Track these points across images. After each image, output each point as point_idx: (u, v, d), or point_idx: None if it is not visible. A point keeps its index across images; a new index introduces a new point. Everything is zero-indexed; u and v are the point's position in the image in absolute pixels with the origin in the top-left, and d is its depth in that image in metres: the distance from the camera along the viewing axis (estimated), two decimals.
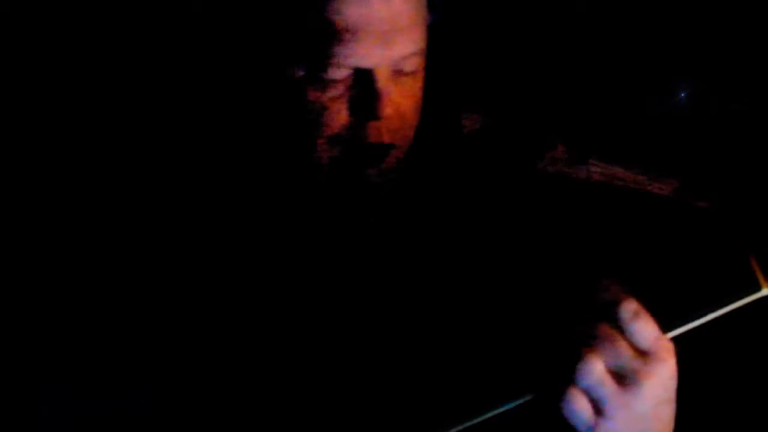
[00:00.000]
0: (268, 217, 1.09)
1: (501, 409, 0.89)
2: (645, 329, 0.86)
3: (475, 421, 0.89)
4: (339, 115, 1.01)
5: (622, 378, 0.85)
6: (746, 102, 1.39)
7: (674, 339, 0.88)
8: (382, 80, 1.00)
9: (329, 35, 0.99)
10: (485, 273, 1.06)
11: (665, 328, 0.88)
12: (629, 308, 0.86)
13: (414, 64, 1.02)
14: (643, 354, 0.85)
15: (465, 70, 1.37)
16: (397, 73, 1.01)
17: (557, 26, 1.44)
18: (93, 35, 1.33)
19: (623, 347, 0.85)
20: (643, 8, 1.43)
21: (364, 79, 1.00)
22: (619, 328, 0.85)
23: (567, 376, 0.85)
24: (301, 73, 1.01)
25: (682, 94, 1.37)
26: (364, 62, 1.00)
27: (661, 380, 0.86)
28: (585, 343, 0.85)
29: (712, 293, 0.87)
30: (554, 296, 1.00)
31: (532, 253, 1.08)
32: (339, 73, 1.00)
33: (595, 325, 0.86)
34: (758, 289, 0.86)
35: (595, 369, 0.85)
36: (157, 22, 1.28)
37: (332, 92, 1.00)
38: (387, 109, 1.00)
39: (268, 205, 1.09)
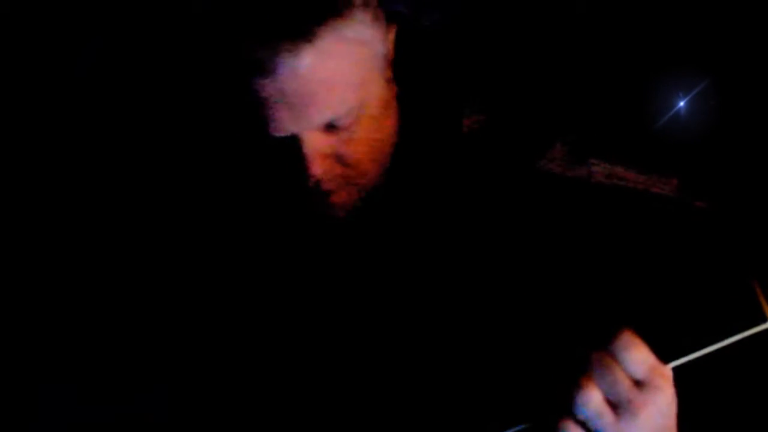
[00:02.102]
0: (263, 223, 1.10)
1: None
2: (641, 359, 0.86)
3: None
4: (281, 169, 1.02)
5: (618, 408, 0.85)
6: (745, 104, 1.39)
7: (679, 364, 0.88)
8: (308, 142, 0.99)
9: (249, 106, 0.99)
10: (484, 282, 1.06)
11: (665, 357, 0.88)
12: (625, 338, 0.86)
13: (348, 119, 1.00)
14: (639, 384, 0.86)
15: (465, 70, 1.37)
16: (332, 128, 1.00)
17: (557, 26, 1.44)
18: (92, 37, 1.33)
19: (620, 377, 0.86)
20: (642, 8, 1.43)
21: (293, 140, 1.00)
22: (616, 358, 0.86)
23: (563, 405, 0.85)
24: (249, 130, 1.01)
25: (681, 103, 1.37)
26: (283, 131, 0.99)
27: (658, 409, 0.86)
28: (581, 372, 0.86)
29: (715, 313, 0.87)
30: (551, 324, 0.99)
31: (531, 259, 1.07)
32: (268, 137, 1.00)
33: (591, 354, 0.86)
34: (764, 320, 0.86)
35: (593, 399, 0.85)
36: (157, 29, 1.28)
37: (271, 150, 1.01)
38: (318, 166, 1.00)
39: (262, 211, 1.10)
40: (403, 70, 1.08)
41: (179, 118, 1.20)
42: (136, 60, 1.31)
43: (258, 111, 0.98)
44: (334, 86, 0.98)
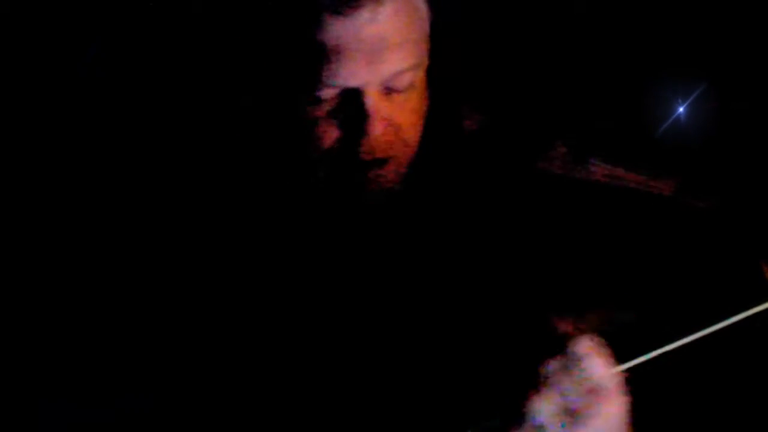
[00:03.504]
0: (270, 224, 1.09)
1: None
2: (594, 366, 0.86)
3: None
4: (328, 133, 1.01)
5: (572, 415, 0.86)
6: (746, 101, 1.39)
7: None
8: (371, 99, 1.00)
9: (315, 54, 0.99)
10: (474, 281, 1.06)
11: (620, 363, 0.88)
12: (580, 345, 0.86)
13: (407, 80, 1.02)
14: (593, 391, 0.86)
15: (465, 70, 1.37)
16: (388, 90, 1.01)
17: (557, 26, 1.44)
18: (94, 38, 1.33)
19: (573, 384, 0.86)
20: (642, 8, 1.43)
21: (352, 97, 1.00)
22: (570, 365, 0.86)
23: (517, 412, 0.86)
24: (292, 91, 1.01)
25: (681, 109, 1.37)
26: (351, 81, 1.00)
27: (611, 416, 0.87)
28: (535, 381, 0.86)
29: (717, 298, 0.87)
30: (507, 331, 0.99)
31: (529, 259, 1.07)
32: (327, 92, 1.00)
33: (546, 361, 0.86)
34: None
35: (546, 407, 0.85)
36: (157, 29, 1.28)
37: (321, 111, 1.01)
38: (378, 127, 1.00)
39: (269, 212, 1.10)
40: None
41: (183, 114, 1.20)
42: (138, 59, 1.31)
43: (312, 66, 0.99)
44: (409, 38, 1.01)
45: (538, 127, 1.35)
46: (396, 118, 1.02)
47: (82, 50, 1.34)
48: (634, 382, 0.90)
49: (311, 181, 1.04)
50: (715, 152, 1.38)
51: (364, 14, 0.98)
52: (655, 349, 0.89)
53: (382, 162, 1.03)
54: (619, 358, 0.89)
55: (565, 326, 0.89)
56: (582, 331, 0.88)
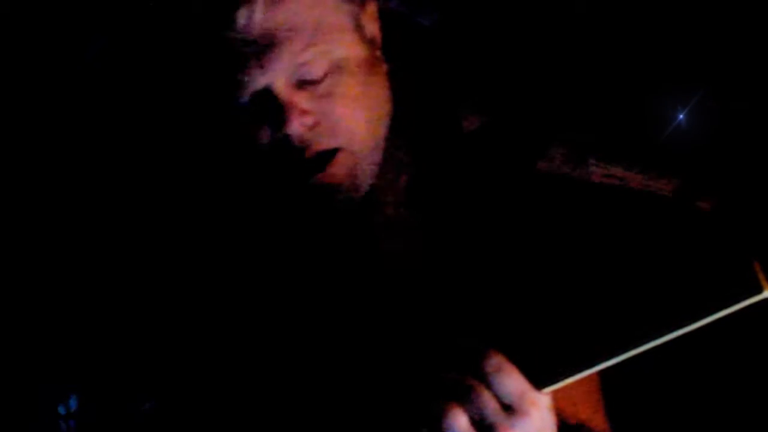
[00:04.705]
0: (243, 226, 1.09)
1: None
2: (509, 383, 0.85)
3: None
4: (259, 135, 1.01)
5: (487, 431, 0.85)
6: (746, 102, 1.39)
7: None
8: (281, 94, 1.00)
9: (216, 65, 1.00)
10: (480, 277, 1.06)
11: (539, 383, 0.87)
12: (493, 361, 0.85)
13: (320, 68, 1.01)
14: (508, 408, 0.85)
15: (464, 70, 1.37)
16: (303, 81, 1.01)
17: (556, 26, 1.44)
18: (96, 35, 1.33)
19: (487, 400, 0.85)
20: (642, 8, 1.43)
21: (266, 97, 1.00)
22: (485, 380, 0.85)
23: (430, 428, 0.85)
24: (214, 101, 1.01)
25: (681, 117, 1.37)
26: (253, 84, 1.00)
27: None
28: (449, 395, 0.85)
29: (711, 293, 0.87)
30: (420, 346, 0.98)
31: (528, 259, 1.07)
32: (241, 97, 1.00)
33: (459, 377, 0.86)
34: (759, 291, 0.85)
35: (459, 423, 0.84)
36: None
37: (245, 115, 1.01)
38: (294, 122, 1.00)
39: (239, 214, 1.09)
40: (402, 67, 1.08)
41: (180, 116, 1.20)
42: (139, 57, 1.31)
43: (232, 73, 1.00)
44: (298, 27, 1.00)
45: (538, 127, 1.35)
46: (324, 108, 1.01)
47: (83, 48, 1.34)
48: (618, 383, 0.89)
49: (264, 186, 1.04)
50: (714, 153, 1.38)
51: (240, 17, 0.99)
52: (585, 368, 0.87)
53: (326, 156, 1.02)
54: (548, 377, 0.87)
55: (475, 342, 0.87)
56: (492, 348, 0.86)
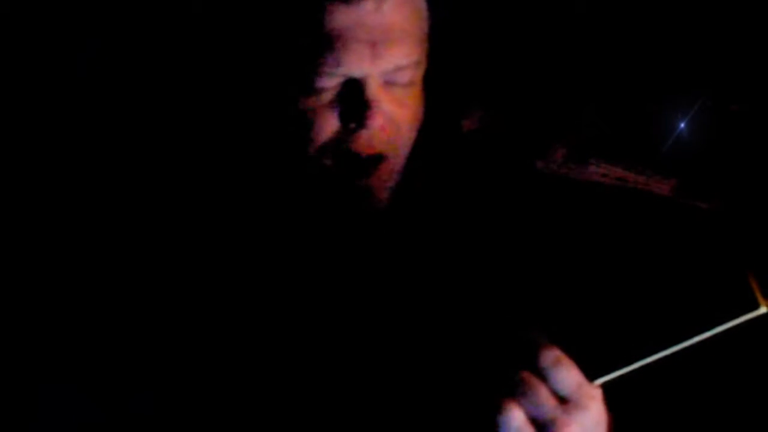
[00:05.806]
0: (265, 223, 1.09)
1: None
2: (566, 377, 0.85)
3: None
4: (328, 124, 1.01)
5: (543, 427, 0.84)
6: (746, 102, 1.39)
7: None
8: (372, 90, 1.00)
9: (318, 43, 0.99)
10: (475, 279, 1.06)
11: (593, 375, 0.86)
12: (550, 355, 0.85)
13: (407, 76, 1.01)
14: (564, 402, 0.85)
15: (465, 70, 1.37)
16: (389, 83, 1.01)
17: (557, 26, 1.44)
18: (93, 38, 1.33)
19: (544, 395, 0.84)
20: (642, 8, 1.43)
21: (353, 88, 1.00)
22: (542, 376, 0.85)
23: (487, 425, 0.85)
24: (292, 81, 1.01)
25: (682, 125, 1.37)
26: (354, 71, 0.99)
27: (582, 429, 0.85)
28: (506, 391, 0.85)
29: (710, 306, 0.86)
30: (477, 342, 0.98)
31: (527, 259, 1.07)
32: (328, 81, 1.00)
33: (516, 372, 0.85)
34: (756, 307, 0.85)
35: (516, 418, 0.84)
36: (155, 27, 1.28)
37: (321, 101, 1.00)
38: (378, 119, 1.00)
39: (265, 210, 1.09)
40: None
41: (181, 115, 1.20)
42: (136, 59, 1.31)
43: (314, 54, 0.99)
44: (411, 33, 1.01)
45: (538, 127, 1.36)
46: (395, 115, 1.02)
47: (81, 49, 1.34)
48: (620, 393, 0.89)
49: (306, 178, 1.03)
50: (714, 154, 1.38)
51: (369, 3, 0.99)
52: (636, 361, 0.87)
53: (378, 160, 1.02)
54: (600, 370, 0.88)
55: (538, 335, 0.87)
56: (558, 341, 0.86)
